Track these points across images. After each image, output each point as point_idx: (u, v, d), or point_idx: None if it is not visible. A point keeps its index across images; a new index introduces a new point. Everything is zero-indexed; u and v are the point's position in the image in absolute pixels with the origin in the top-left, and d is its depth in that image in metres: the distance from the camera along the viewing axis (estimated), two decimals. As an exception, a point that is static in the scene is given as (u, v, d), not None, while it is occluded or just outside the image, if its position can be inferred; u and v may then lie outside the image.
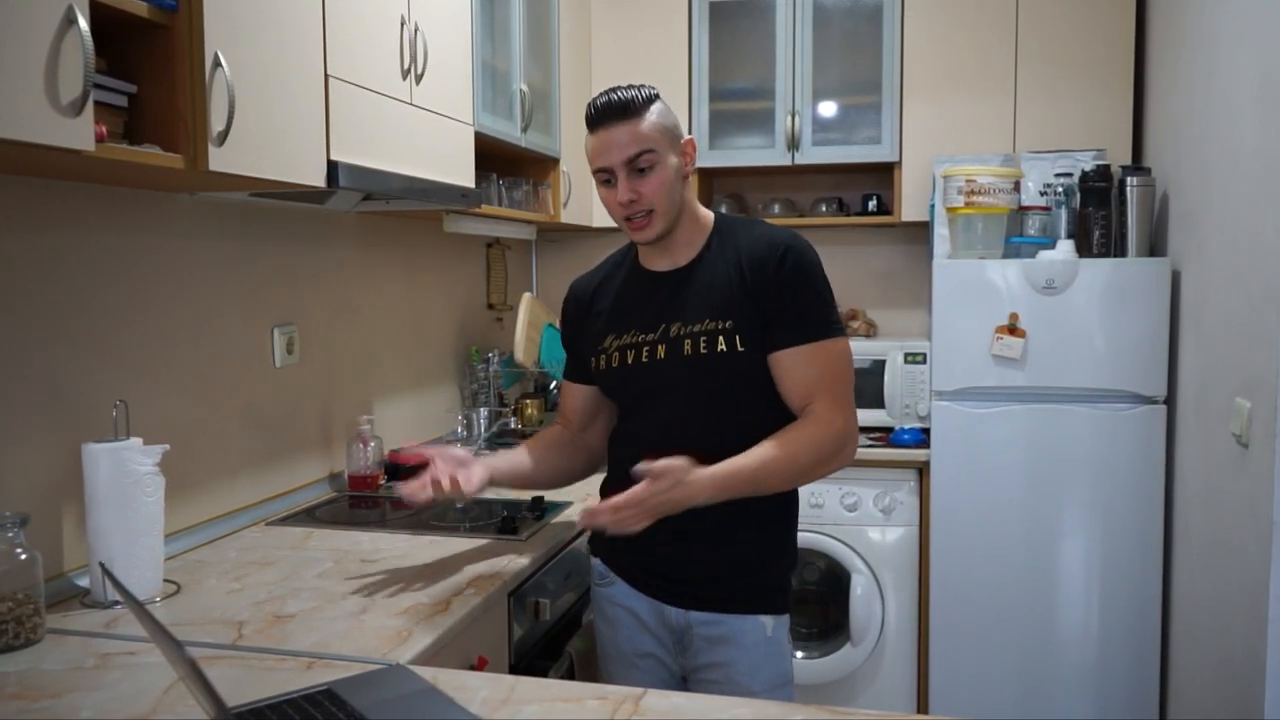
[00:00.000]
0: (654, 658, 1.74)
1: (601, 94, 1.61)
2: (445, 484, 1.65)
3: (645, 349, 1.67)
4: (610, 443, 1.83)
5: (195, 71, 1.50)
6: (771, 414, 1.65)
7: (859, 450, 2.98)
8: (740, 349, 1.61)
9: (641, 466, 1.49)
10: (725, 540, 1.67)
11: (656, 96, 1.64)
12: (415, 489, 1.66)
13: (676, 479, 1.49)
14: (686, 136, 1.69)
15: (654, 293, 1.71)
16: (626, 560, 1.75)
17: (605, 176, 1.63)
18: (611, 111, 1.59)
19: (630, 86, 1.61)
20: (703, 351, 1.62)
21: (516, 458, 1.85)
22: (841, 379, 1.64)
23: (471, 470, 1.71)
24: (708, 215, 1.74)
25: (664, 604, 1.71)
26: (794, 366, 1.62)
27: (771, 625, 1.69)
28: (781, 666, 1.71)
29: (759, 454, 1.57)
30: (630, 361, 1.68)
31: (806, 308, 1.63)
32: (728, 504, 1.66)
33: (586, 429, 1.88)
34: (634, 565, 1.74)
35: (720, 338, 1.62)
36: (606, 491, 1.83)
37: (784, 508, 1.74)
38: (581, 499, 2.26)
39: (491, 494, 2.41)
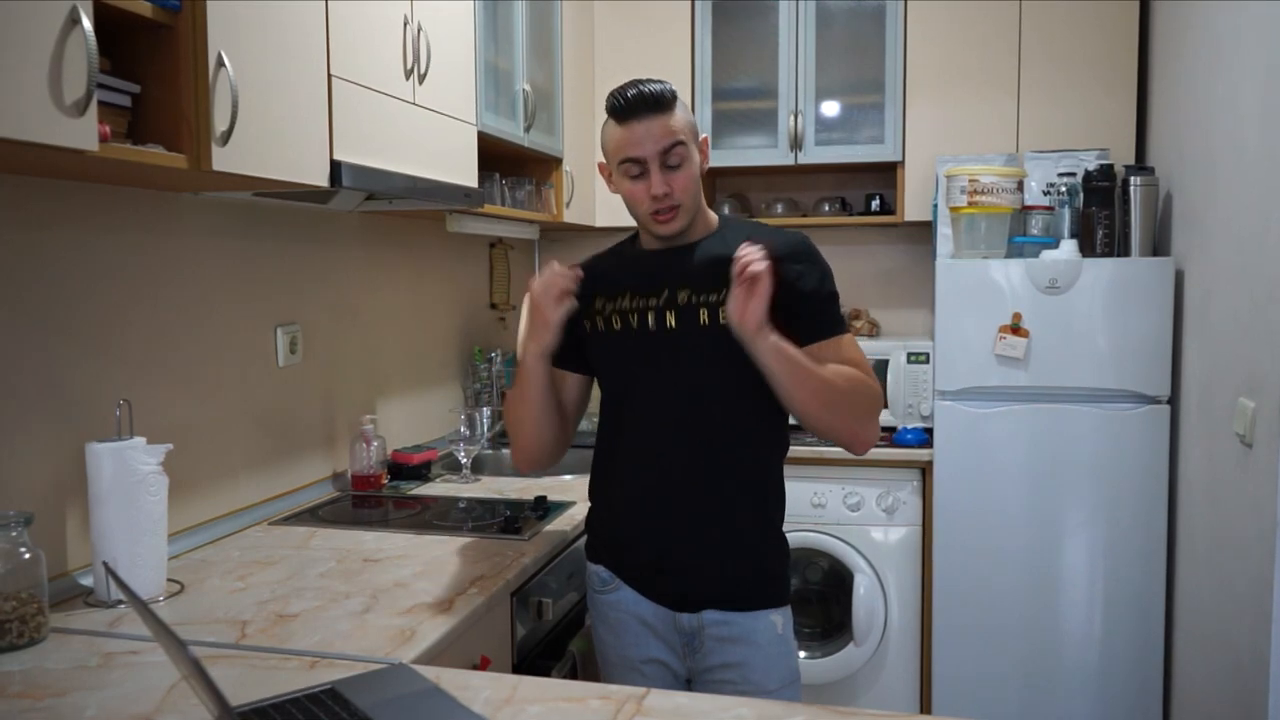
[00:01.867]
0: (659, 663, 1.73)
1: (629, 85, 1.60)
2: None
3: (651, 314, 1.64)
4: (604, 427, 1.78)
5: (199, 71, 1.50)
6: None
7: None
8: None
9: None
10: (725, 538, 1.67)
11: (677, 93, 1.64)
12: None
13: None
14: (703, 135, 1.69)
15: (652, 260, 1.69)
16: (633, 567, 1.74)
17: (635, 169, 1.61)
18: (644, 103, 1.58)
19: (655, 80, 1.61)
20: (723, 322, 1.58)
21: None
22: (867, 364, 1.65)
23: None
24: (714, 215, 1.75)
25: (674, 611, 1.70)
26: (827, 354, 1.61)
27: (781, 622, 1.70)
28: (791, 663, 1.72)
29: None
30: (635, 325, 1.66)
31: (830, 306, 1.65)
32: (725, 501, 1.66)
33: (573, 421, 1.83)
34: (641, 572, 1.73)
35: None
36: (600, 487, 1.82)
37: (769, 499, 1.73)
38: (585, 498, 2.26)
39: (494, 494, 2.43)
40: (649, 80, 1.61)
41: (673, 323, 1.63)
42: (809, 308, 1.62)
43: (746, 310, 1.47)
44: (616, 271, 1.73)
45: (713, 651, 1.69)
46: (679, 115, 1.61)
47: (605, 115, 1.65)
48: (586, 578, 1.83)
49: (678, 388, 1.65)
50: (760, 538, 1.70)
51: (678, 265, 1.66)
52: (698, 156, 1.64)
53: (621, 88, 1.60)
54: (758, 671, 1.67)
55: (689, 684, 1.75)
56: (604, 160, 1.67)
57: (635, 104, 1.58)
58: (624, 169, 1.62)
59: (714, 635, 1.68)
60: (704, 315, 1.62)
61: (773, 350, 1.51)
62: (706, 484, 1.66)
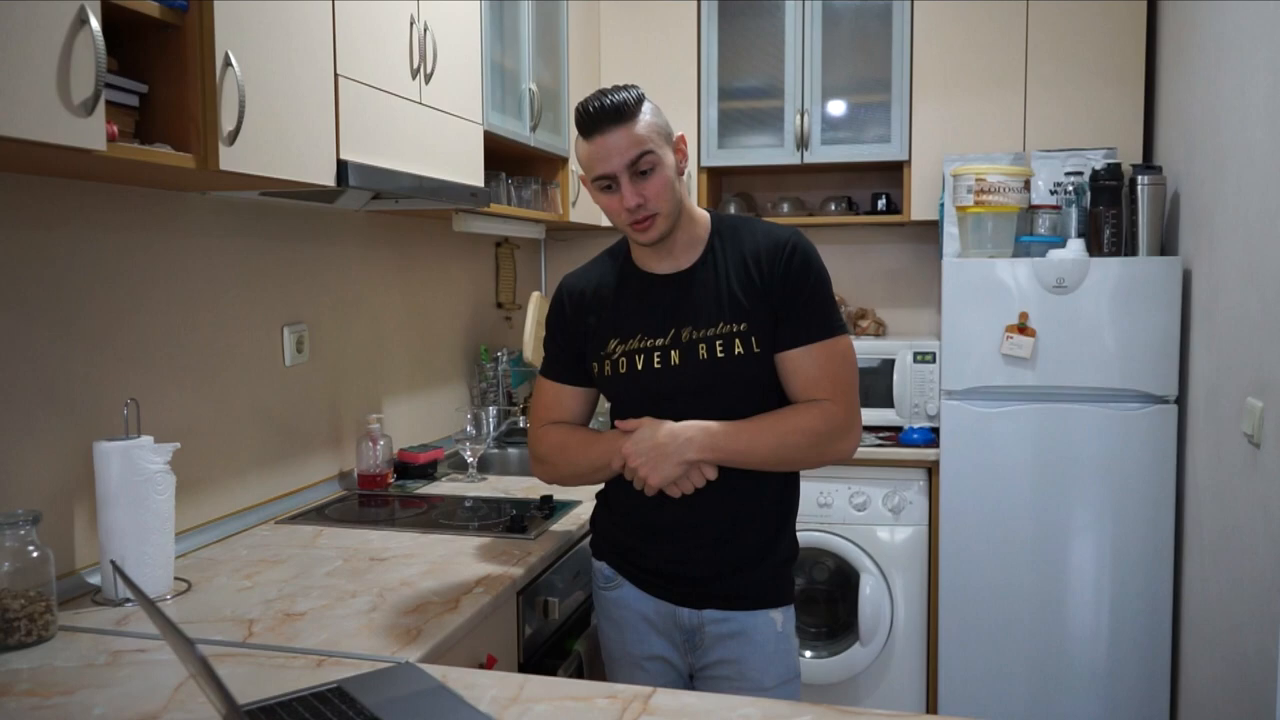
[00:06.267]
0: (662, 660, 1.74)
1: (591, 98, 1.57)
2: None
3: (657, 354, 1.65)
4: None
5: (206, 71, 1.51)
6: None
7: (868, 450, 3.02)
8: (756, 351, 1.60)
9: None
10: (728, 536, 1.67)
11: (644, 96, 1.61)
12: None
13: (649, 424, 1.60)
14: (677, 133, 1.66)
15: (657, 295, 1.68)
16: (633, 564, 1.74)
17: (606, 183, 1.59)
18: (606, 116, 1.55)
19: (618, 88, 1.58)
20: (720, 355, 1.61)
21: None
22: (846, 375, 1.64)
23: None
24: (704, 215, 1.72)
25: (676, 605, 1.71)
26: (801, 365, 1.62)
27: (781, 620, 1.70)
28: (790, 662, 1.72)
29: (754, 419, 1.60)
30: (640, 367, 1.66)
31: (814, 307, 1.63)
32: (729, 499, 1.66)
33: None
34: (641, 569, 1.73)
35: (736, 340, 1.61)
36: (609, 495, 1.82)
37: (783, 499, 1.73)
38: (591, 497, 2.26)
39: (500, 493, 2.43)
40: (612, 90, 1.57)
41: (676, 359, 1.64)
42: (793, 309, 1.62)
43: (639, 471, 1.60)
44: (623, 309, 1.71)
45: (712, 647, 1.70)
46: (645, 120, 1.57)
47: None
48: (591, 573, 1.84)
49: (684, 415, 1.64)
50: (764, 548, 1.70)
51: (682, 300, 1.65)
52: (672, 158, 1.61)
53: (585, 101, 1.58)
54: (755, 668, 1.67)
55: (690, 680, 1.75)
56: (583, 173, 1.65)
57: (598, 117, 1.55)
58: (597, 184, 1.61)
59: (713, 632, 1.69)
60: (703, 350, 1.62)
61: (691, 431, 1.59)
62: (711, 501, 1.66)
